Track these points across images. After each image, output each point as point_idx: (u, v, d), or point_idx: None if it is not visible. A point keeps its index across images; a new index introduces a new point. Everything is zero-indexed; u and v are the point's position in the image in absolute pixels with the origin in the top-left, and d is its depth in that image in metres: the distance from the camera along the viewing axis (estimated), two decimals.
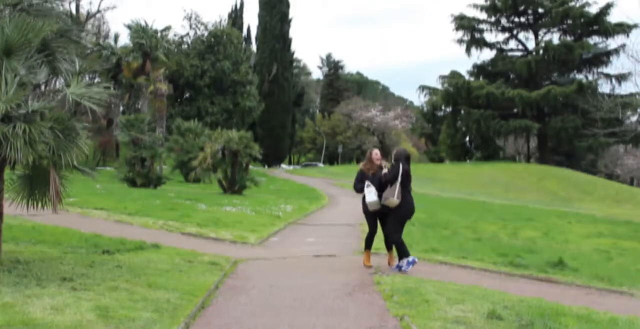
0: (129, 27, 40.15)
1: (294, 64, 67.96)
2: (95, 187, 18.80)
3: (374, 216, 8.24)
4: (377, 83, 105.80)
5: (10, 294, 5.17)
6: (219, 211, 15.26)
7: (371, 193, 8.06)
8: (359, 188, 8.27)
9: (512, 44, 61.31)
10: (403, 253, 7.95)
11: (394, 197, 7.76)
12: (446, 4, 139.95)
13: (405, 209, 7.92)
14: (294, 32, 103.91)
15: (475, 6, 59.25)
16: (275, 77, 57.96)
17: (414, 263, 7.90)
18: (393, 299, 6.14)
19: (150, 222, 12.21)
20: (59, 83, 7.09)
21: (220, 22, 54.62)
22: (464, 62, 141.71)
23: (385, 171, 8.15)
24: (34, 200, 7.00)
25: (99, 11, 50.17)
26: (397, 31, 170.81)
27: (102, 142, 43.96)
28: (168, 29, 44.18)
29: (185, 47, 52.20)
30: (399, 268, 7.95)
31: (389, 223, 8.04)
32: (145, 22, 40.60)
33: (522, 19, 59.94)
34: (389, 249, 8.39)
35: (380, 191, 8.09)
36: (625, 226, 18.03)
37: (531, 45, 59.68)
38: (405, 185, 7.88)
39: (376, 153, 8.49)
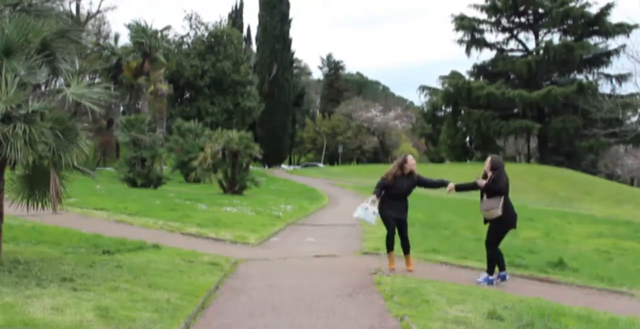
0: (129, 26, 40.14)
1: (294, 64, 67.94)
2: (95, 187, 18.80)
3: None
4: (377, 83, 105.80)
5: (10, 294, 5.17)
6: (219, 211, 15.26)
7: (368, 209, 7.95)
8: (376, 193, 8.07)
9: (512, 44, 61.32)
10: (489, 267, 7.62)
11: (498, 208, 7.37)
12: (446, 4, 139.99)
13: (508, 220, 7.54)
14: (294, 32, 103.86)
15: (475, 6, 59.25)
16: (275, 77, 57.94)
17: (491, 282, 7.51)
18: (393, 299, 6.14)
19: (150, 222, 12.21)
20: (59, 83, 7.09)
21: (220, 22, 54.58)
22: (464, 62, 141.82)
23: (481, 180, 7.68)
24: (34, 200, 7.00)
25: (99, 11, 50.20)
26: (398, 31, 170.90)
27: (102, 142, 43.94)
28: (168, 28, 44.22)
29: (185, 47, 52.17)
30: (500, 277, 7.59)
31: (487, 235, 7.66)
32: (145, 22, 40.58)
33: (522, 19, 59.90)
34: (406, 252, 8.21)
35: (405, 195, 8.04)
36: (625, 226, 18.02)
37: (531, 45, 59.69)
38: (506, 194, 7.53)
39: (411, 158, 8.18)
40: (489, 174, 7.63)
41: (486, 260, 7.72)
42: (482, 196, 7.66)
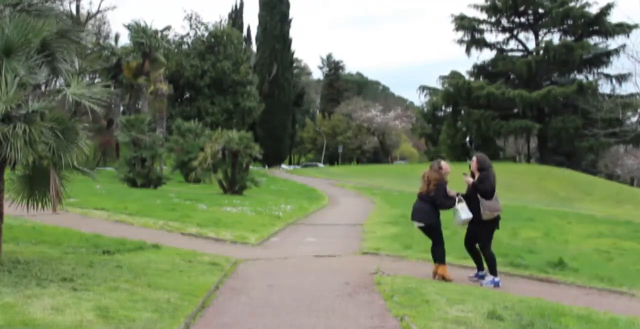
0: (129, 27, 40.14)
1: (294, 64, 67.92)
2: (95, 187, 18.78)
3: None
4: (377, 83, 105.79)
5: (10, 294, 5.17)
6: (219, 211, 15.26)
7: (465, 209, 7.53)
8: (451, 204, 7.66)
9: (512, 44, 61.38)
10: (492, 269, 7.62)
11: (499, 209, 7.41)
12: (446, 4, 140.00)
13: (497, 221, 7.58)
14: (294, 32, 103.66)
15: (475, 6, 59.28)
16: (275, 77, 57.93)
17: (497, 284, 7.49)
18: (393, 299, 6.14)
19: (150, 222, 12.20)
20: (59, 83, 7.09)
21: (220, 22, 54.58)
22: (464, 62, 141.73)
23: (468, 177, 7.64)
24: (34, 200, 6.99)
25: (99, 11, 50.14)
26: (398, 31, 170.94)
27: (102, 142, 43.94)
28: (168, 28, 44.21)
29: (185, 47, 52.16)
30: (478, 276, 7.70)
31: (481, 237, 7.61)
32: (145, 22, 40.61)
33: (522, 19, 59.93)
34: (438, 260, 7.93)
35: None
36: (625, 226, 17.97)
37: (531, 45, 59.73)
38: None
39: (445, 163, 7.91)
40: (477, 174, 7.63)
41: (487, 264, 7.69)
42: (466, 196, 7.60)
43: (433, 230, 7.86)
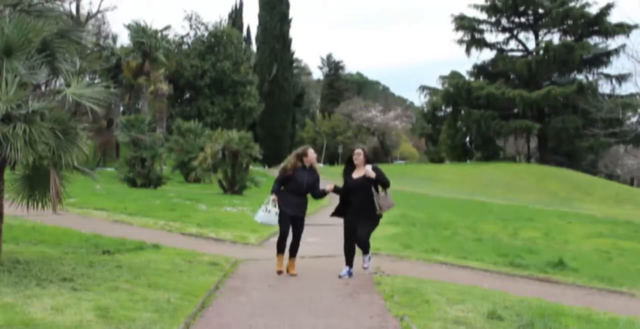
0: (129, 27, 40.19)
1: (294, 64, 67.96)
2: (95, 187, 18.79)
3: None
4: (377, 83, 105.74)
5: (10, 294, 5.17)
6: (219, 211, 15.26)
7: (270, 211, 7.37)
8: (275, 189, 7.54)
9: (512, 44, 61.42)
10: (368, 251, 7.73)
11: (394, 203, 7.56)
12: (446, 4, 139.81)
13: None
14: (294, 32, 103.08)
15: (475, 6, 59.32)
16: (275, 77, 57.96)
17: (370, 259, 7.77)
18: (393, 299, 6.15)
19: (150, 223, 12.20)
20: (59, 83, 7.09)
21: (220, 22, 54.64)
22: (464, 62, 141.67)
23: (370, 170, 7.46)
24: (34, 200, 6.98)
25: (99, 11, 50.20)
26: (397, 31, 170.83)
27: (102, 142, 43.92)
28: (167, 28, 44.28)
29: (185, 47, 52.23)
30: (350, 273, 7.75)
31: (366, 228, 7.61)
32: (145, 22, 40.65)
33: (522, 19, 59.97)
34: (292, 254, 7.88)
35: (305, 190, 7.63)
36: (625, 226, 18.01)
37: (531, 45, 59.78)
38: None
39: (312, 152, 7.77)
40: (361, 167, 7.55)
41: (364, 250, 7.67)
42: (356, 189, 7.62)
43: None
